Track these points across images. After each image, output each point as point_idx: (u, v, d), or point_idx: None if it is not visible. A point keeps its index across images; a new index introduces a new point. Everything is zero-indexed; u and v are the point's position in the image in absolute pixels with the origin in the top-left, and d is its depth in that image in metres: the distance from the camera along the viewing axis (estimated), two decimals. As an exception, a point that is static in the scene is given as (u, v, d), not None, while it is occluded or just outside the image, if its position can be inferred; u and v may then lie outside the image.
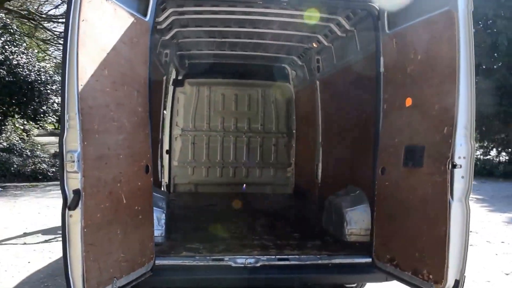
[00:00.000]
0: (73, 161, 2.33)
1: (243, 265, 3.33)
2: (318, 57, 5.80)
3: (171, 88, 7.05)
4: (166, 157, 6.99)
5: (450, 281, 2.51)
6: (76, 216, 2.36)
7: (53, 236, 6.62)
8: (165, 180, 6.97)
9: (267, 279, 3.43)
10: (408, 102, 2.93)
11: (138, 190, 2.87)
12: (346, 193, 4.41)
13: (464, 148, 2.49)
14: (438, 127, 2.62)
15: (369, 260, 3.43)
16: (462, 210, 2.50)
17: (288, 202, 6.68)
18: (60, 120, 2.43)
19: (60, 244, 5.77)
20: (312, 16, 4.56)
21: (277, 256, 3.51)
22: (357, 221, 4.01)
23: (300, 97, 7.02)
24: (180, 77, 7.08)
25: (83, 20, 2.37)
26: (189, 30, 5.30)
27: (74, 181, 2.35)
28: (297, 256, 3.53)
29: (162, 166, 6.90)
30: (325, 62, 5.60)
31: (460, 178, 2.49)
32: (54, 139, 22.69)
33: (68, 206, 2.34)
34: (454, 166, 2.49)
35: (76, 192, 2.34)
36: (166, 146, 7.00)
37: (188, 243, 3.74)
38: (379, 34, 3.41)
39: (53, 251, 5.78)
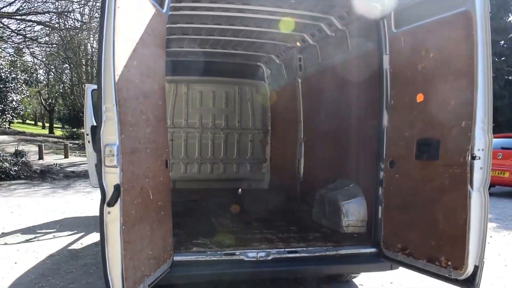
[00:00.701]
0: (113, 155, 2.24)
1: (255, 259, 3.35)
2: (300, 56, 5.90)
3: None
4: None
5: (470, 267, 2.67)
6: (114, 213, 2.27)
7: (33, 236, 6.30)
8: None
9: (279, 271, 3.48)
10: (420, 97, 3.08)
11: (161, 185, 2.80)
12: (338, 187, 4.54)
13: (482, 140, 2.66)
14: (455, 121, 2.78)
15: (373, 250, 3.57)
16: (481, 199, 2.67)
17: (268, 196, 6.73)
18: (98, 112, 2.32)
19: (43, 243, 5.45)
20: (302, 16, 4.64)
21: (286, 249, 3.56)
22: (354, 213, 4.17)
23: (276, 94, 7.10)
24: None
25: (118, 7, 2.28)
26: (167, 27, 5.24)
27: (113, 176, 2.27)
28: (305, 248, 3.60)
29: None
30: (308, 60, 5.70)
31: (479, 169, 2.66)
32: (7, 138, 21.51)
33: (107, 202, 2.24)
34: (473, 158, 2.65)
35: (116, 188, 2.25)
36: None
37: (193, 239, 3.70)
38: (382, 34, 3.55)
39: (37, 250, 5.51)
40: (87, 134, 7.76)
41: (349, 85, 4.52)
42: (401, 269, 3.55)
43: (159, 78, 2.87)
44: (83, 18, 19.40)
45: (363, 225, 4.16)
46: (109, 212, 2.28)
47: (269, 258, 3.39)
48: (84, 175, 14.33)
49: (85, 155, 23.22)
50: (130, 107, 2.42)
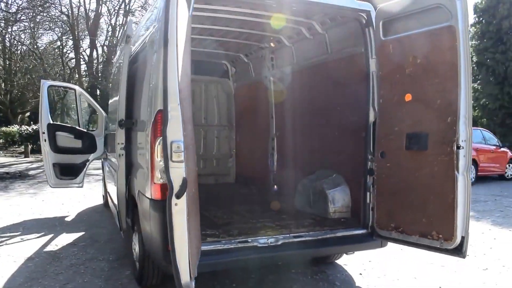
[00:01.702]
0: (181, 151, 2.46)
1: (267, 245, 3.68)
2: (273, 55, 6.28)
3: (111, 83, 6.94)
4: None
5: (458, 238, 3.26)
6: (181, 205, 2.49)
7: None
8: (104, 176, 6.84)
9: (289, 255, 3.84)
10: (408, 97, 3.61)
11: (196, 178, 3.03)
12: (321, 177, 5.00)
13: (465, 133, 3.24)
14: (442, 117, 3.33)
15: (364, 231, 4.09)
16: (464, 182, 3.25)
17: (240, 189, 7.04)
18: (163, 111, 2.50)
19: (14, 246, 5.29)
20: (284, 19, 4.99)
21: (291, 234, 3.93)
22: (339, 200, 4.65)
23: (242, 92, 7.42)
24: None
25: (178, 15, 2.50)
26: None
27: (181, 170, 2.48)
28: (308, 233, 4.00)
29: None
30: (282, 60, 6.09)
31: (463, 157, 3.23)
32: None
33: (176, 194, 2.44)
34: (458, 147, 3.23)
35: (184, 181, 2.46)
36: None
37: (202, 230, 3.93)
38: (368, 40, 4.05)
39: (11, 254, 5.33)
40: (43, 133, 7.50)
41: (329, 84, 4.98)
42: (375, 251, 4.15)
43: (189, 80, 3.09)
44: None
45: (347, 211, 4.66)
46: (176, 204, 2.49)
47: (279, 243, 3.74)
48: (19, 176, 13.57)
49: (12, 155, 21.89)
50: (184, 107, 2.63)
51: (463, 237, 3.27)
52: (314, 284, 4.37)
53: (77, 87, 8.34)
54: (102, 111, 8.39)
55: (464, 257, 3.33)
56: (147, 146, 3.45)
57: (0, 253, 5.42)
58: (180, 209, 2.51)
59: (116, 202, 4.68)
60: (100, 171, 10.37)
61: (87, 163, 8.10)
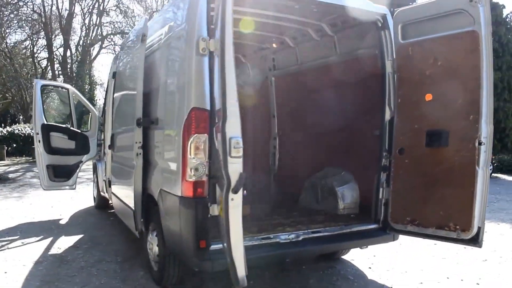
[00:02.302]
0: (240, 147, 2.51)
1: (288, 241, 3.76)
2: (274, 56, 6.36)
3: (111, 81, 6.84)
4: (109, 152, 6.78)
5: (475, 228, 3.44)
6: (237, 200, 2.54)
7: (-1, 244, 5.87)
8: (107, 176, 6.75)
9: (310, 250, 3.94)
10: (428, 97, 3.77)
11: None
12: (329, 174, 5.11)
13: (486, 130, 3.41)
14: (463, 116, 3.50)
15: (376, 226, 4.23)
16: (483, 175, 3.43)
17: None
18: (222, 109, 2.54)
19: (17, 251, 5.20)
20: (289, 20, 5.06)
21: (309, 230, 4.01)
22: (348, 196, 4.78)
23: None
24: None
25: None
26: None
27: (237, 165, 2.53)
28: (325, 228, 4.10)
29: (104, 162, 6.73)
30: (284, 61, 6.17)
31: (484, 152, 3.42)
32: None
33: (233, 189, 2.48)
34: (480, 143, 3.41)
35: (241, 176, 2.50)
36: (108, 141, 6.81)
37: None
38: (384, 43, 4.19)
39: (18, 258, 5.19)
40: (37, 133, 7.33)
41: (339, 84, 5.10)
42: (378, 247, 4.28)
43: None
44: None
45: (356, 207, 4.80)
46: (232, 199, 2.53)
47: (300, 239, 3.82)
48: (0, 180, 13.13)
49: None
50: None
51: (479, 228, 3.46)
52: (328, 279, 4.47)
53: (70, 87, 8.16)
54: (96, 111, 8.26)
55: (480, 246, 3.51)
56: (176, 144, 3.46)
57: (5, 257, 5.27)
58: (236, 204, 2.56)
59: (128, 202, 4.62)
60: (84, 173, 10.17)
61: (80, 165, 7.96)
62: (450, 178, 3.59)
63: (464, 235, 3.50)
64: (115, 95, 5.60)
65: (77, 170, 7.90)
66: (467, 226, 3.46)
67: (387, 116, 4.20)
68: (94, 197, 8.54)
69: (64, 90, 8.25)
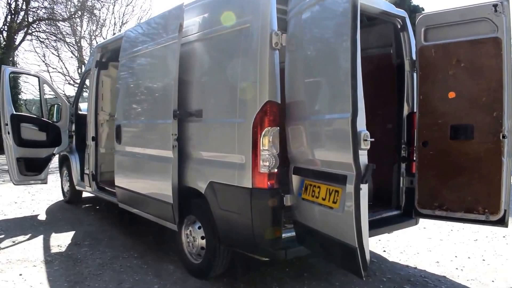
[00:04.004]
0: (369, 139, 2.76)
1: None
2: None
3: (94, 71, 6.55)
4: (92, 144, 6.53)
5: (502, 211, 3.99)
6: (364, 189, 2.80)
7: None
8: (90, 169, 6.50)
9: None
10: (452, 94, 4.24)
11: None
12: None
13: (508, 125, 3.96)
14: (487, 112, 4.02)
15: (399, 212, 4.67)
16: (507, 164, 3.98)
17: None
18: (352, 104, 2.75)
19: (14, 250, 5.01)
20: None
21: None
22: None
23: None
24: (104, 60, 6.63)
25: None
26: None
27: (365, 157, 2.82)
28: None
29: (87, 154, 6.48)
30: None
31: (507, 145, 3.97)
32: None
33: (363, 180, 2.69)
34: (504, 137, 3.95)
35: (369, 167, 2.74)
36: (92, 133, 6.55)
37: None
38: (403, 43, 4.60)
39: (23, 258, 4.87)
40: (6, 124, 6.78)
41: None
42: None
43: None
44: None
45: (371, 196, 5.18)
46: (361, 188, 2.74)
47: None
48: None
49: None
50: None
51: (505, 210, 4.03)
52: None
53: (40, 75, 7.57)
54: (66, 102, 7.78)
55: (507, 226, 4.05)
56: (243, 136, 3.53)
57: (6, 258, 4.90)
58: (364, 193, 2.80)
59: (156, 196, 4.51)
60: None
61: (52, 157, 7.49)
62: (476, 167, 4.10)
63: (493, 217, 4.04)
64: (121, 86, 5.37)
65: (49, 163, 7.43)
66: (496, 210, 4.00)
67: (405, 111, 4.64)
68: (64, 191, 8.06)
69: (34, 78, 7.62)
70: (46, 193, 8.99)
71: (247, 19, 3.59)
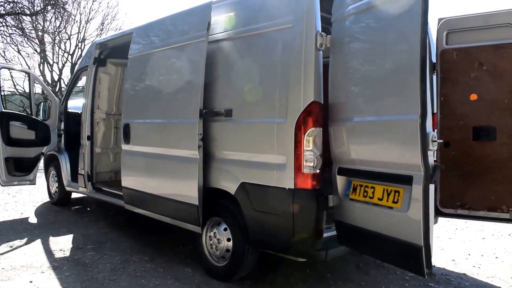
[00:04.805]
0: (437, 141, 2.85)
1: None
2: None
3: (92, 67, 6.29)
4: (87, 143, 6.26)
5: (525, 209, 4.13)
6: (432, 188, 2.84)
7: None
8: (85, 169, 6.23)
9: None
10: (473, 97, 4.34)
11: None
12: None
13: (529, 127, 4.10)
14: (510, 114, 4.14)
15: None
16: (528, 163, 4.13)
17: None
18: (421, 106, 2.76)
19: (14, 255, 4.86)
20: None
21: None
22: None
23: None
24: (102, 56, 6.37)
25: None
26: None
27: (431, 158, 2.89)
28: None
29: (82, 154, 6.20)
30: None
31: (528, 146, 4.10)
32: None
33: (432, 180, 2.73)
34: (524, 138, 4.09)
35: (436, 167, 2.76)
36: (87, 132, 6.27)
37: None
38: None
39: (29, 264, 4.57)
40: (-7, 122, 6.37)
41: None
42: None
43: None
44: None
45: None
46: (429, 188, 2.75)
47: None
48: None
49: None
50: None
51: (527, 207, 4.17)
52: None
53: (31, 72, 7.17)
54: (56, 99, 7.41)
55: None
56: (283, 136, 3.46)
57: (10, 264, 4.59)
58: (431, 192, 2.82)
59: (176, 198, 4.32)
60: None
61: (41, 157, 7.10)
62: (499, 168, 4.20)
63: (516, 214, 4.18)
64: (131, 83, 5.15)
65: (38, 163, 7.05)
66: (518, 207, 4.14)
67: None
68: (51, 193, 7.65)
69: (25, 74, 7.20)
70: (27, 194, 8.53)
71: (288, 19, 3.51)
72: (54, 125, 7.19)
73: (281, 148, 3.50)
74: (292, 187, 3.41)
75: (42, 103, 7.35)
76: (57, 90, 26.05)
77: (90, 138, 6.35)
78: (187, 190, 4.15)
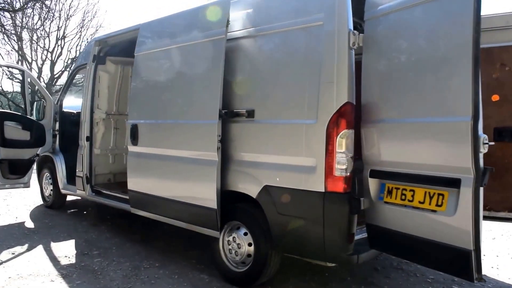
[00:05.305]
0: (488, 144, 2.79)
1: None
2: None
3: (91, 65, 6.05)
4: (86, 144, 6.02)
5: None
6: (482, 192, 2.79)
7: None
8: (84, 171, 6.00)
9: None
10: (495, 98, 4.30)
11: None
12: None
13: (550, 128, 4.08)
14: (531, 115, 4.11)
15: None
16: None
17: None
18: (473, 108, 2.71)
19: (17, 263, 4.70)
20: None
21: None
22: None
23: None
24: (101, 54, 6.13)
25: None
26: None
27: (482, 160, 2.76)
28: None
29: (81, 155, 5.97)
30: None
31: (547, 146, 4.08)
32: None
33: (483, 183, 2.69)
34: (545, 138, 4.06)
35: (486, 170, 2.68)
36: (86, 133, 6.03)
37: None
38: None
39: (33, 272, 4.29)
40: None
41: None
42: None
43: None
44: None
45: None
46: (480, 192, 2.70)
47: None
48: None
49: None
50: None
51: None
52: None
53: (26, 69, 6.85)
54: (51, 98, 7.11)
55: None
56: (314, 138, 3.33)
57: (18, 273, 4.33)
58: (481, 195, 2.76)
59: (191, 201, 4.12)
60: None
61: (36, 159, 6.81)
62: (519, 167, 4.19)
63: (535, 216, 4.15)
64: (139, 82, 4.95)
65: (33, 165, 6.76)
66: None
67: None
68: (45, 196, 7.35)
69: (19, 72, 6.87)
70: (19, 198, 8.19)
71: (318, 17, 3.38)
72: (49, 125, 6.90)
73: (310, 150, 3.37)
74: (323, 190, 3.28)
75: (36, 102, 7.04)
76: (36, 89, 25.30)
77: (90, 139, 6.10)
78: (204, 193, 3.98)
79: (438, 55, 3.00)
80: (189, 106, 4.29)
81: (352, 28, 3.25)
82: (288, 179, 3.52)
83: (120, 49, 6.19)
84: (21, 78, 6.97)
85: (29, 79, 6.85)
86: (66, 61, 26.06)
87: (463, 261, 2.78)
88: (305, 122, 3.41)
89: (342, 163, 3.23)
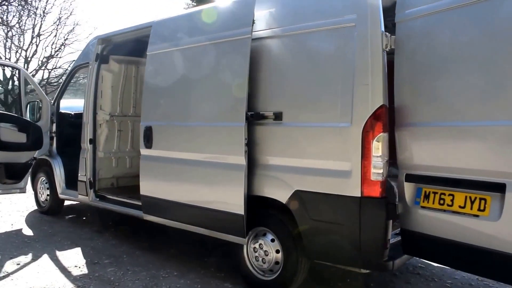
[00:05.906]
0: None
1: None
2: None
3: (94, 65, 5.86)
4: (89, 147, 5.83)
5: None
6: None
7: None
8: (87, 175, 5.81)
9: None
10: None
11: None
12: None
13: None
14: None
15: None
16: None
17: None
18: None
19: (26, 273, 4.57)
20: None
21: None
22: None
23: None
24: (105, 53, 5.94)
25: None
26: None
27: None
28: None
29: (84, 158, 5.78)
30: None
31: None
32: None
33: None
34: None
35: None
36: (90, 135, 5.85)
37: None
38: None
39: (46, 284, 4.06)
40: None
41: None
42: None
43: None
44: None
45: None
46: None
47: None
48: None
49: None
50: None
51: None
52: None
53: (22, 68, 6.54)
54: (48, 99, 6.84)
55: None
56: (348, 142, 3.27)
57: (31, 286, 4.12)
58: None
59: (217, 207, 4.01)
60: None
61: (33, 162, 6.53)
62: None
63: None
64: (153, 82, 4.79)
65: (29, 169, 6.48)
66: None
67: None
68: (40, 201, 7.06)
69: (15, 70, 6.56)
70: (8, 203, 7.85)
71: (350, 18, 3.33)
72: (46, 127, 6.64)
73: (345, 154, 3.32)
74: (359, 195, 3.23)
75: (30, 103, 6.76)
76: (9, 88, 24.41)
77: (93, 141, 5.90)
78: (229, 199, 3.88)
79: (485, 60, 2.94)
80: (212, 108, 4.16)
81: (384, 30, 3.23)
82: (321, 183, 3.46)
83: (123, 48, 6.01)
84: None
85: (24, 78, 6.54)
86: (41, 59, 25.37)
87: (509, 267, 2.77)
88: (338, 125, 3.35)
89: (378, 167, 3.19)
